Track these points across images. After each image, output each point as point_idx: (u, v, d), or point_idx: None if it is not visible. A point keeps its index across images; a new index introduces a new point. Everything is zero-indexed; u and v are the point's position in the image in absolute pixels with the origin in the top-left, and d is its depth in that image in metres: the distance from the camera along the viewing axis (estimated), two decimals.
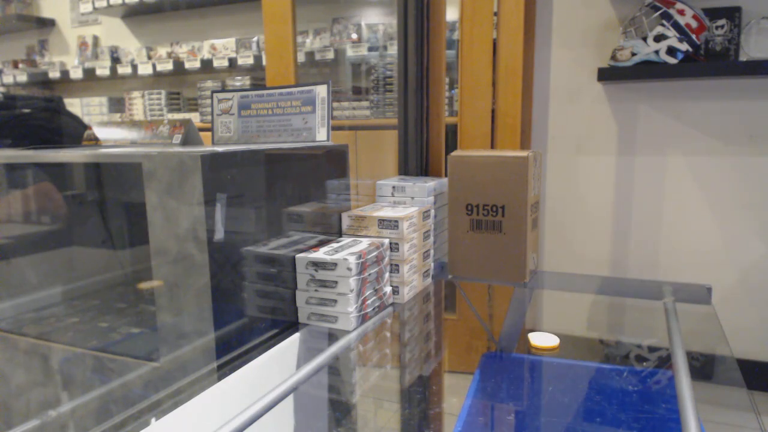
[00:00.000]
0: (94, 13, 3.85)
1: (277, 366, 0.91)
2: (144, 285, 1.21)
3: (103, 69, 3.77)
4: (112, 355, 0.95)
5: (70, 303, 1.20)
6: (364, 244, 1.05)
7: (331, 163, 1.16)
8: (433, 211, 1.27)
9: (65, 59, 4.17)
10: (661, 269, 2.20)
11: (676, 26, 1.89)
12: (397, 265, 1.12)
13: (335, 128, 1.38)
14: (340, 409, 0.94)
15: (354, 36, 3.11)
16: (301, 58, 3.13)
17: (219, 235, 0.83)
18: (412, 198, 1.27)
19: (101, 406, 0.94)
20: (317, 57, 3.11)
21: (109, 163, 1.13)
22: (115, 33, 3.98)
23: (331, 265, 0.97)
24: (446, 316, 1.23)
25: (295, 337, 0.97)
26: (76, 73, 3.85)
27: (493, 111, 2.05)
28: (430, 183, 1.29)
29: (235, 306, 0.89)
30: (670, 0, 1.92)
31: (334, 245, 1.06)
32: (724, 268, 2.11)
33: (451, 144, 1.91)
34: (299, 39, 3.22)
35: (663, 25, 1.91)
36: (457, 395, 1.01)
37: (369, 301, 1.03)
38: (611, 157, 2.21)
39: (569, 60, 2.23)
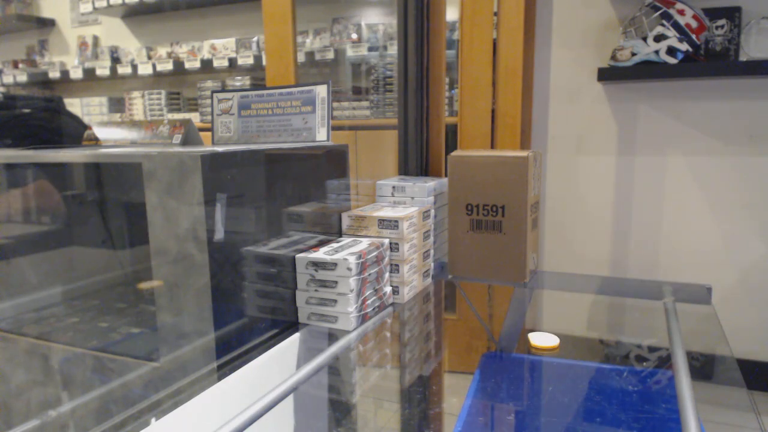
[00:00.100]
0: (94, 13, 3.85)
1: (277, 366, 0.91)
2: (144, 285, 1.21)
3: (103, 69, 3.77)
4: (112, 355, 0.95)
5: (70, 303, 1.20)
6: (364, 244, 1.05)
7: (331, 163, 1.16)
8: (433, 211, 1.27)
9: (65, 59, 4.17)
10: (661, 269, 2.20)
11: (676, 26, 1.89)
12: (397, 265, 1.12)
13: (335, 128, 1.38)
14: (340, 409, 0.94)
15: (354, 36, 3.11)
16: (301, 58, 3.13)
17: (219, 235, 0.83)
18: (412, 198, 1.27)
19: (101, 406, 0.94)
20: (317, 57, 3.11)
21: (109, 163, 1.13)
22: (115, 33, 3.98)
23: (331, 265, 0.97)
24: (446, 316, 1.23)
25: (295, 337, 0.98)
26: (76, 73, 3.85)
27: (493, 111, 2.05)
28: (430, 183, 1.29)
29: (235, 306, 0.89)
30: (670, 0, 1.92)
31: (334, 245, 1.06)
32: (724, 268, 2.11)
33: (451, 144, 1.91)
34: (299, 39, 3.22)
35: (663, 25, 1.91)
36: (457, 395, 1.01)
37: (369, 301, 1.03)
38: (611, 157, 2.21)
39: (569, 60, 2.23)
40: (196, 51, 3.59)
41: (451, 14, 1.92)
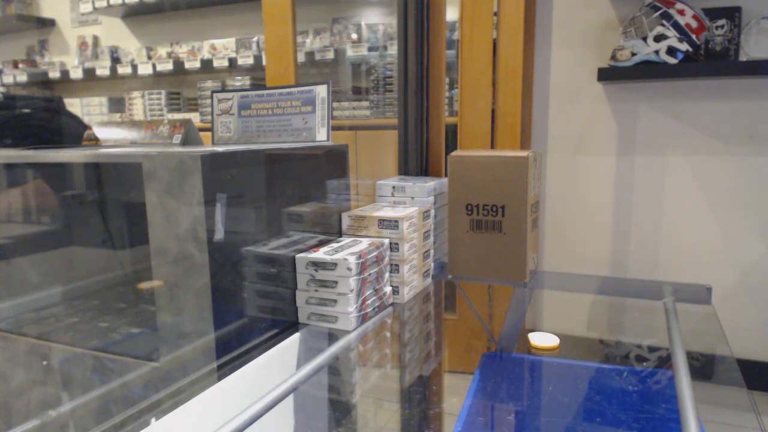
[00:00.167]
0: (94, 13, 3.85)
1: (277, 366, 0.91)
2: (144, 285, 1.21)
3: (103, 69, 3.77)
4: (112, 355, 0.95)
5: (70, 303, 1.20)
6: (364, 244, 1.05)
7: (331, 163, 1.16)
8: (433, 211, 1.27)
9: (65, 59, 4.17)
10: (661, 269, 2.20)
11: (676, 26, 1.89)
12: (397, 265, 1.12)
13: (335, 128, 1.38)
14: (340, 409, 0.94)
15: (354, 36, 3.11)
16: (301, 58, 3.13)
17: (219, 235, 0.83)
18: (412, 198, 1.27)
19: (101, 406, 0.94)
20: (317, 57, 3.11)
21: (109, 163, 1.13)
22: (115, 33, 3.98)
23: (331, 265, 0.97)
24: (446, 316, 1.23)
25: (295, 337, 0.97)
26: (76, 73, 3.85)
27: (493, 111, 2.05)
28: (430, 183, 1.29)
29: (235, 306, 0.89)
30: (670, 0, 1.92)
31: (334, 245, 1.06)
32: (724, 268, 2.11)
33: (451, 144, 1.91)
34: (299, 39, 3.22)
35: (663, 25, 1.91)
36: (457, 395, 1.01)
37: (369, 301, 1.03)
38: (611, 157, 2.21)
39: (569, 60, 2.23)
40: (196, 51, 3.59)
41: (451, 14, 1.92)
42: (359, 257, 0.98)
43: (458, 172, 1.24)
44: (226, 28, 3.60)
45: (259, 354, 0.89)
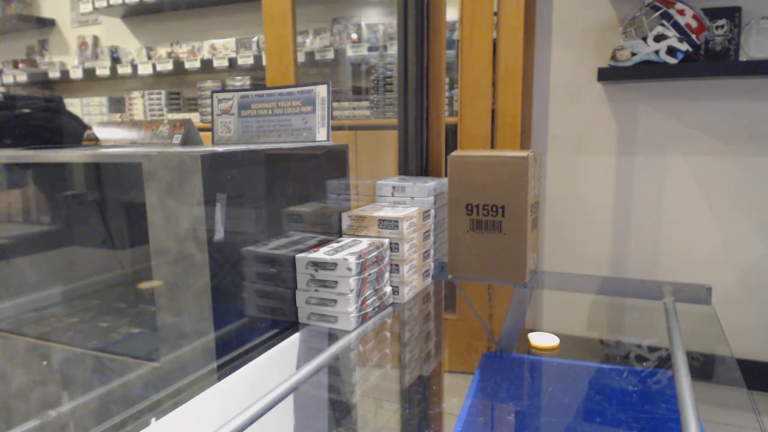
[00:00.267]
0: (94, 13, 3.85)
1: (277, 366, 0.91)
2: (144, 285, 1.21)
3: (103, 69, 3.77)
4: (112, 355, 0.95)
5: (70, 303, 1.20)
6: (364, 244, 1.05)
7: (331, 163, 1.16)
8: (433, 211, 1.27)
9: (65, 59, 4.17)
10: (661, 269, 2.20)
11: (676, 26, 1.89)
12: (397, 265, 1.12)
13: (335, 128, 1.38)
14: (340, 409, 0.94)
15: (354, 36, 3.11)
16: (301, 58, 3.13)
17: (219, 235, 0.83)
18: (412, 198, 1.27)
19: (101, 406, 0.94)
20: (317, 57, 3.11)
21: (109, 163, 1.13)
22: (115, 33, 3.98)
23: (331, 265, 0.97)
24: (446, 316, 1.23)
25: (295, 337, 0.98)
26: (76, 73, 3.85)
27: (493, 111, 2.05)
28: (430, 183, 1.29)
29: (235, 306, 0.89)
30: (670, 0, 1.92)
31: (334, 245, 1.06)
32: (724, 268, 2.11)
33: (451, 144, 1.91)
34: (299, 39, 3.22)
35: (663, 25, 1.91)
36: (457, 395, 1.01)
37: (369, 301, 1.03)
38: (611, 157, 2.21)
39: (569, 60, 2.23)
40: (196, 51, 3.59)
41: (451, 14, 1.92)
42: (359, 257, 0.98)
43: (458, 172, 1.24)
44: (226, 28, 3.60)
45: (259, 354, 0.89)
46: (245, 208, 0.89)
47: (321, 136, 1.13)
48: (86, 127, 1.28)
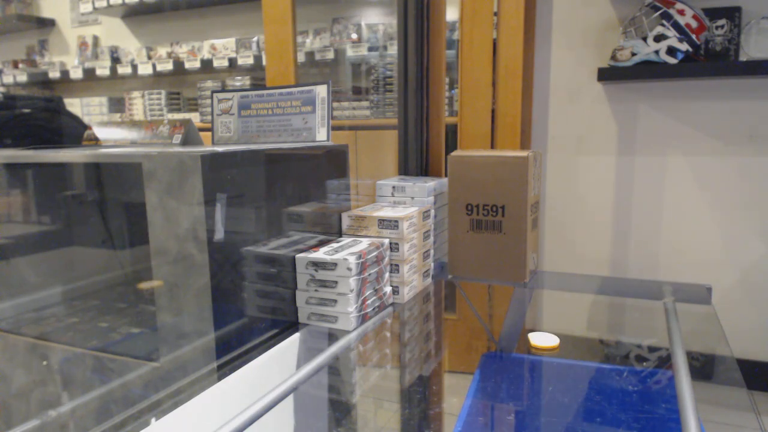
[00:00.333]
0: (94, 13, 3.85)
1: (277, 366, 0.91)
2: (144, 285, 1.21)
3: (103, 69, 3.77)
4: (112, 355, 0.95)
5: (70, 303, 1.20)
6: (364, 244, 1.05)
7: (331, 163, 1.16)
8: (433, 211, 1.27)
9: (65, 59, 4.17)
10: (661, 269, 2.20)
11: (676, 26, 1.89)
12: (397, 265, 1.12)
13: (335, 128, 1.38)
14: (340, 409, 0.94)
15: (354, 36, 3.11)
16: (301, 58, 3.13)
17: (219, 235, 0.83)
18: (412, 198, 1.27)
19: (101, 406, 0.94)
20: (317, 57, 3.11)
21: (109, 163, 1.13)
22: (115, 33, 3.98)
23: (331, 265, 0.97)
24: (446, 316, 1.23)
25: (295, 337, 0.97)
26: (76, 73, 3.85)
27: (493, 111, 2.05)
28: (430, 183, 1.29)
29: (235, 306, 0.89)
30: (670, 0, 1.92)
31: (334, 245, 1.06)
32: (724, 268, 2.11)
33: (451, 144, 1.91)
34: (299, 39, 3.22)
35: (663, 25, 1.91)
36: (457, 395, 1.01)
37: (369, 301, 1.03)
38: (611, 157, 2.21)
39: (569, 60, 2.23)
40: (196, 51, 3.59)
41: (451, 14, 1.92)
42: (359, 257, 0.98)
43: (458, 172, 1.24)
44: (226, 28, 3.60)
45: (259, 354, 0.89)
46: (245, 208, 0.89)
47: (321, 136, 1.13)
48: (86, 127, 1.28)
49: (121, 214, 1.19)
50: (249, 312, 0.91)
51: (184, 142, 1.09)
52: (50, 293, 1.21)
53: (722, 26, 1.98)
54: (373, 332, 1.02)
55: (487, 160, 1.21)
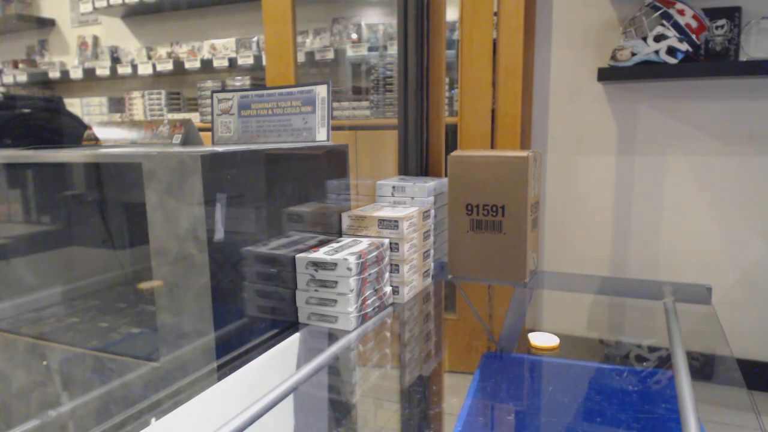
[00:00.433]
0: (94, 13, 3.85)
1: (277, 366, 0.91)
2: (144, 285, 1.21)
3: (103, 69, 3.77)
4: (112, 355, 0.95)
5: (70, 303, 1.20)
6: (364, 244, 1.05)
7: (331, 163, 1.16)
8: (433, 211, 1.27)
9: (65, 59, 4.17)
10: (661, 269, 2.20)
11: (676, 26, 1.89)
12: (397, 265, 1.12)
13: (335, 128, 1.38)
14: (340, 409, 0.94)
15: (354, 36, 3.11)
16: (301, 58, 3.13)
17: (219, 235, 0.83)
18: (412, 198, 1.27)
19: (101, 406, 0.94)
20: (317, 57, 3.11)
21: (109, 163, 1.13)
22: (115, 33, 3.98)
23: (331, 265, 0.97)
24: (446, 316, 1.23)
25: (295, 337, 0.97)
26: (76, 73, 3.85)
27: (493, 111, 2.05)
28: (430, 183, 1.29)
29: (235, 306, 0.89)
30: (670, 0, 1.92)
31: (334, 245, 1.06)
32: (724, 268, 2.11)
33: (451, 144, 1.91)
34: (299, 39, 3.22)
35: (663, 25, 1.91)
36: (457, 395, 1.01)
37: (369, 301, 1.03)
38: (611, 157, 2.21)
39: (569, 60, 2.23)
40: (196, 51, 3.59)
41: (451, 14, 1.92)
42: (359, 257, 0.98)
43: (458, 172, 1.24)
44: (226, 28, 3.60)
45: (259, 354, 0.89)
46: (245, 208, 0.89)
47: (321, 136, 1.13)
48: (86, 127, 1.28)
49: (121, 214, 1.19)
50: (249, 312, 0.91)
51: (184, 142, 1.09)
52: (50, 293, 1.21)
53: (722, 26, 1.98)
54: (373, 332, 1.02)
55: (487, 160, 1.21)
